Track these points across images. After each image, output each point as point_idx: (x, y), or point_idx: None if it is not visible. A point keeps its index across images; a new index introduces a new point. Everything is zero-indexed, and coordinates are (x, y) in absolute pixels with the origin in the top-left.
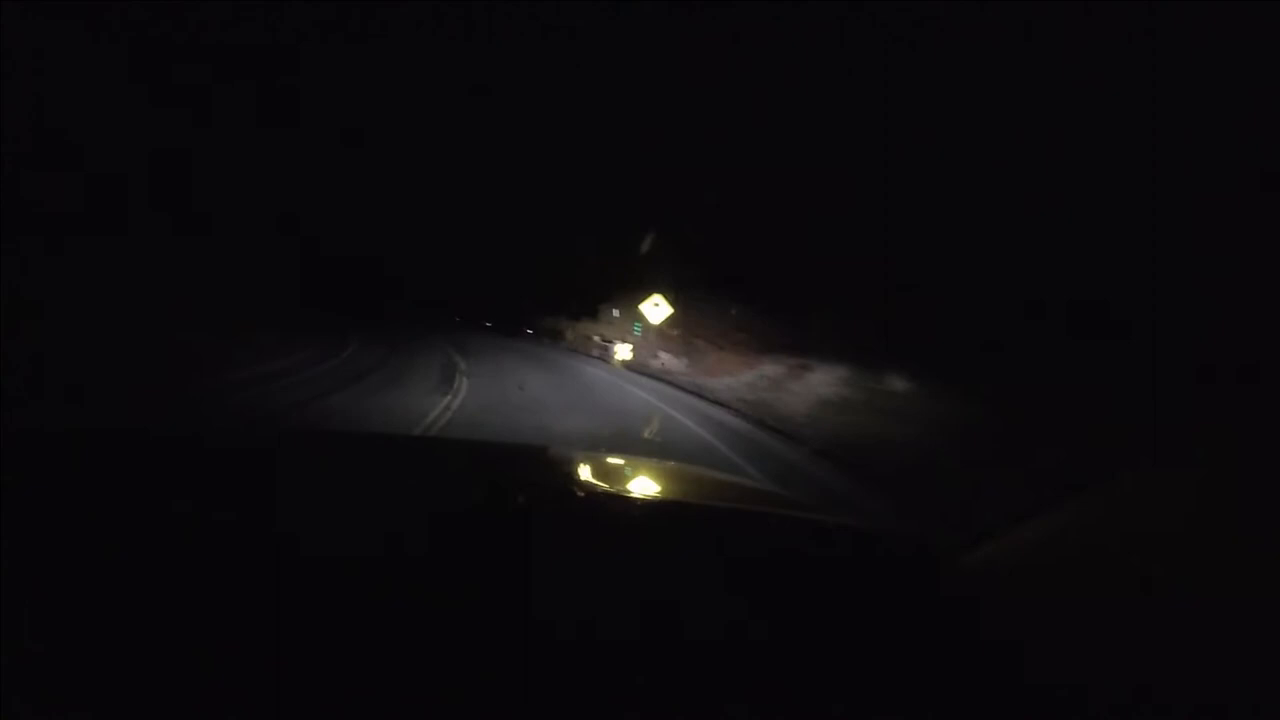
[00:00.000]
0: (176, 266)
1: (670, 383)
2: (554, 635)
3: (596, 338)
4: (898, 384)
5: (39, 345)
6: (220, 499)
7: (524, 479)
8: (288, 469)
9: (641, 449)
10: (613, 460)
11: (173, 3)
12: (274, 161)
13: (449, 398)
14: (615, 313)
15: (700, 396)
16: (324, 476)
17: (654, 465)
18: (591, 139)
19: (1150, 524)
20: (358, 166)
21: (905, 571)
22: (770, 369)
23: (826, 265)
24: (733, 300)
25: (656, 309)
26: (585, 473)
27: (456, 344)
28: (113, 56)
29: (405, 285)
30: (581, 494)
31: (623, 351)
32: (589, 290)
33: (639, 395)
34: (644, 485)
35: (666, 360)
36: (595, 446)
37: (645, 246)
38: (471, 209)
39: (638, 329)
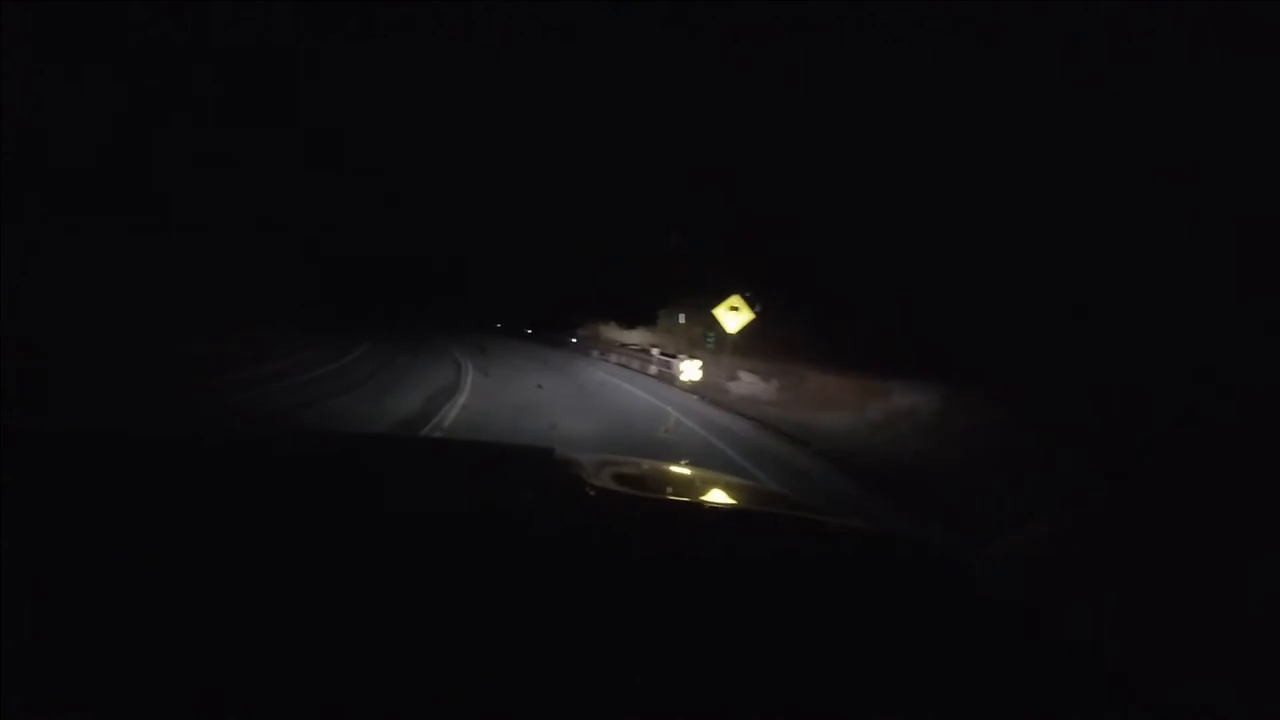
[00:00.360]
0: (189, 267)
1: (763, 422)
2: (556, 635)
3: (655, 350)
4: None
5: (43, 344)
6: (221, 499)
7: (530, 479)
8: (290, 469)
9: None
10: (620, 461)
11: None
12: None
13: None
14: (682, 318)
15: (828, 459)
16: (326, 476)
17: (662, 467)
18: (627, 138)
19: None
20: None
21: (910, 573)
22: (906, 400)
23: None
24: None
25: (735, 314)
26: (592, 473)
27: (484, 352)
28: (129, 56)
29: (440, 287)
30: (588, 494)
31: (689, 370)
32: (644, 294)
33: (729, 458)
34: (651, 486)
35: (749, 383)
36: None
37: (675, 243)
38: (514, 209)
39: (711, 341)
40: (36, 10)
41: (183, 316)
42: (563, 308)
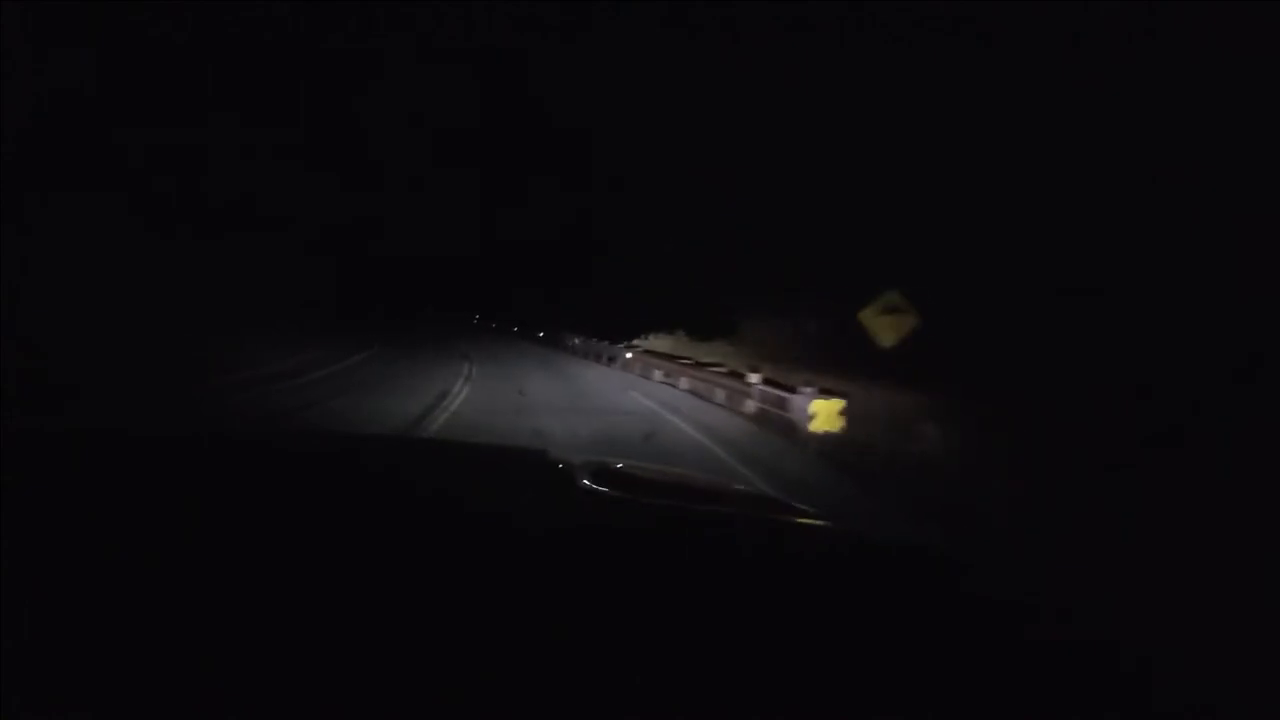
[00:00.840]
0: (190, 267)
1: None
2: (554, 635)
3: (755, 377)
4: None
5: (44, 344)
6: (221, 499)
7: (526, 480)
8: (289, 468)
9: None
10: (616, 464)
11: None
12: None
13: None
14: (814, 327)
15: None
16: (324, 476)
17: (659, 470)
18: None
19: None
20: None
21: (909, 575)
22: None
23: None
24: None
25: (892, 320)
26: (588, 475)
27: (509, 376)
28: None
29: (449, 290)
30: (585, 496)
31: (822, 413)
32: (716, 298)
33: None
34: (648, 489)
35: (933, 447)
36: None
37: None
38: (521, 207)
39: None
40: (40, 9)
41: (184, 317)
42: (622, 313)
